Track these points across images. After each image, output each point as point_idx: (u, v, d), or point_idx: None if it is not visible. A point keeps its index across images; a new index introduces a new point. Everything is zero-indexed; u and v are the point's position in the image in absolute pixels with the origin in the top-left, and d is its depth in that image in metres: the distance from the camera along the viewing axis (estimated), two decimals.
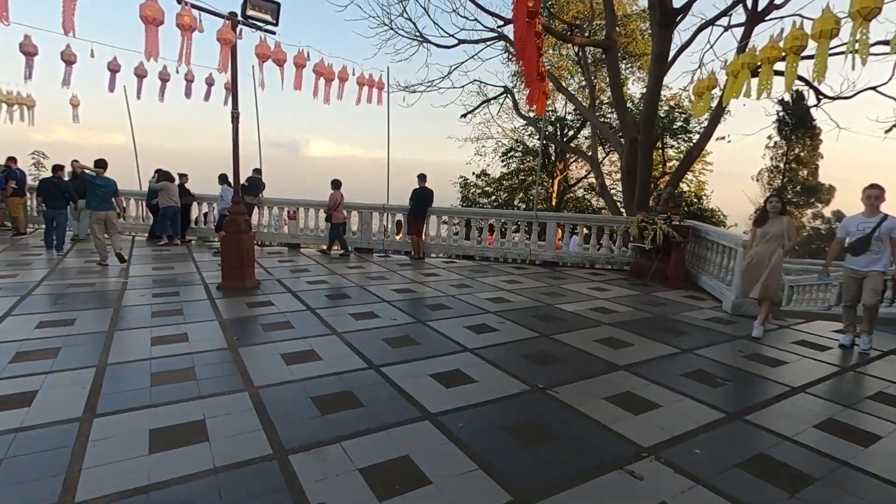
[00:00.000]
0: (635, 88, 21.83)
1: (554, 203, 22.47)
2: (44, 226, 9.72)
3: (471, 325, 5.73)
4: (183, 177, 11.12)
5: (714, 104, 6.92)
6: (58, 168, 9.91)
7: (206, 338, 4.93)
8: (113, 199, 8.56)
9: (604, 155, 23.43)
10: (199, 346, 4.69)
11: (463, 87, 15.47)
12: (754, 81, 5.38)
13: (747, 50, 5.33)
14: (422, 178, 10.32)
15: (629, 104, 20.77)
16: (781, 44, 4.46)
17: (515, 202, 22.32)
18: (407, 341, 5.07)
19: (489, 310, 6.44)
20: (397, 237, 11.49)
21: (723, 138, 14.45)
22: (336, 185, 10.34)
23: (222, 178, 10.26)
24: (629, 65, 20.71)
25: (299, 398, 3.67)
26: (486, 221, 10.57)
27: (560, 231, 10.50)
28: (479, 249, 10.49)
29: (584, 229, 10.12)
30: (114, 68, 7.39)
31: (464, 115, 16.98)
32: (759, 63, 5.15)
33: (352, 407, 3.57)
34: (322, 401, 3.63)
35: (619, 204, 15.29)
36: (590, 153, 17.11)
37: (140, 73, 7.93)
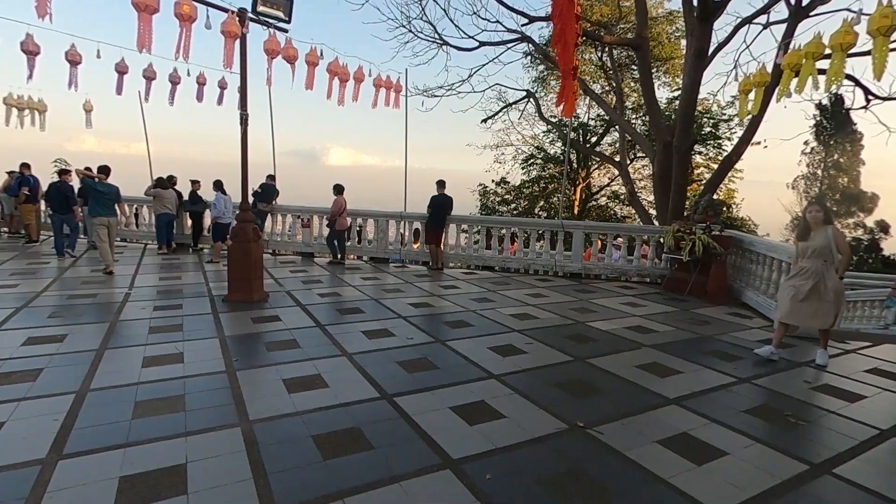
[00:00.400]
0: (661, 93, 21.12)
1: (576, 211, 21.79)
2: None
3: (495, 345, 5.16)
4: (195, 183, 10.81)
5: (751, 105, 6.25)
6: (64, 172, 9.80)
7: (203, 358, 4.46)
8: (116, 206, 8.40)
9: (628, 162, 22.69)
10: (194, 368, 4.22)
11: (483, 91, 15.08)
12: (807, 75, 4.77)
13: (792, 46, 4.73)
14: (441, 184, 9.82)
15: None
16: (861, 27, 3.85)
17: (536, 210, 21.72)
18: (424, 365, 4.53)
19: (514, 328, 5.86)
20: (415, 246, 11.01)
21: (758, 143, 13.66)
22: (339, 190, 9.94)
23: (217, 185, 9.86)
24: (654, 69, 20.01)
25: (299, 436, 3.15)
26: (508, 230, 10.01)
27: (599, 242, 9.88)
28: (500, 260, 9.93)
29: (618, 239, 9.46)
30: (121, 70, 7.08)
31: (484, 120, 16.53)
32: (825, 53, 4.54)
33: (360, 449, 3.04)
34: (326, 441, 3.11)
35: (649, 213, 14.52)
36: (617, 159, 16.37)
37: (149, 76, 7.64)
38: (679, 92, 18.92)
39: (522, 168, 22.73)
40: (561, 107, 7.00)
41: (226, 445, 3.01)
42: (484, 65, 13.10)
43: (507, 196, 22.54)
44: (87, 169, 9.23)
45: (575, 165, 22.13)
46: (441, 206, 9.67)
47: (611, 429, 3.43)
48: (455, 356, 4.81)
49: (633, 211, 22.72)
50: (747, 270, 7.84)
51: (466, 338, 5.40)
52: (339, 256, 10.06)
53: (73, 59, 6.46)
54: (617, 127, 20.93)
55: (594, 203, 23.12)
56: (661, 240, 8.80)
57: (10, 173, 11.34)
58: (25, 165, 10.39)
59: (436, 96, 12.50)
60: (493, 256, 9.95)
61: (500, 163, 24.64)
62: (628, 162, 22.32)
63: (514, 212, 22.42)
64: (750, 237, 8.07)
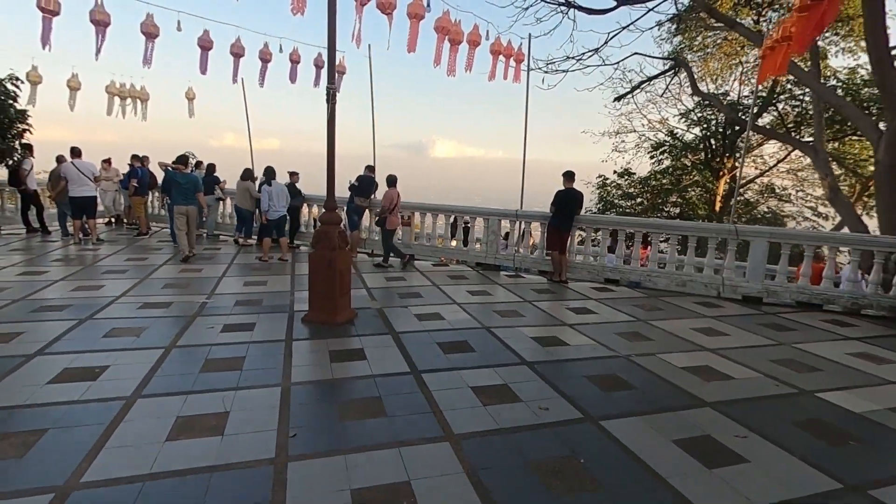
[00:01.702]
0: (837, 62, 16.75)
1: (717, 208, 18.32)
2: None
3: (684, 437, 3.22)
4: (293, 175, 10.03)
5: None
6: (198, 164, 10.62)
7: (251, 427, 3.13)
8: (196, 196, 8.47)
9: (782, 149, 18.49)
10: (233, 448, 2.89)
11: (618, 63, 12.31)
12: None
13: None
14: (569, 176, 7.87)
15: (832, 80, 15.90)
16: None
17: (667, 206, 18.63)
18: (575, 476, 2.76)
19: (702, 396, 3.84)
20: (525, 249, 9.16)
21: None
22: (391, 181, 8.44)
23: (268, 172, 8.66)
24: (833, 32, 15.76)
25: None
26: (657, 235, 7.78)
27: (834, 256, 7.17)
28: (643, 274, 7.74)
29: (838, 256, 6.75)
30: (205, 45, 6.16)
31: (618, 98, 14.00)
32: None
33: None
34: None
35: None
36: (809, 142, 12.57)
37: (236, 52, 6.71)
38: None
39: (651, 157, 19.65)
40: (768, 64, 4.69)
41: None
42: (620, 30, 10.48)
43: (630, 189, 19.63)
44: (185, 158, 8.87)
45: (717, 153, 18.59)
46: (569, 203, 7.75)
47: None
48: (622, 456, 2.97)
49: (796, 210, 18.65)
50: None
51: (630, 415, 3.51)
52: (387, 260, 8.63)
53: (150, 32, 5.61)
54: (778, 104, 17.06)
55: (741, 198, 19.32)
56: None
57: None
58: (136, 157, 10.33)
59: (559, 71, 10.42)
60: (633, 269, 7.79)
61: (620, 152, 21.74)
62: (778, 149, 18.24)
63: (639, 207, 19.50)
64: None
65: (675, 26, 15.98)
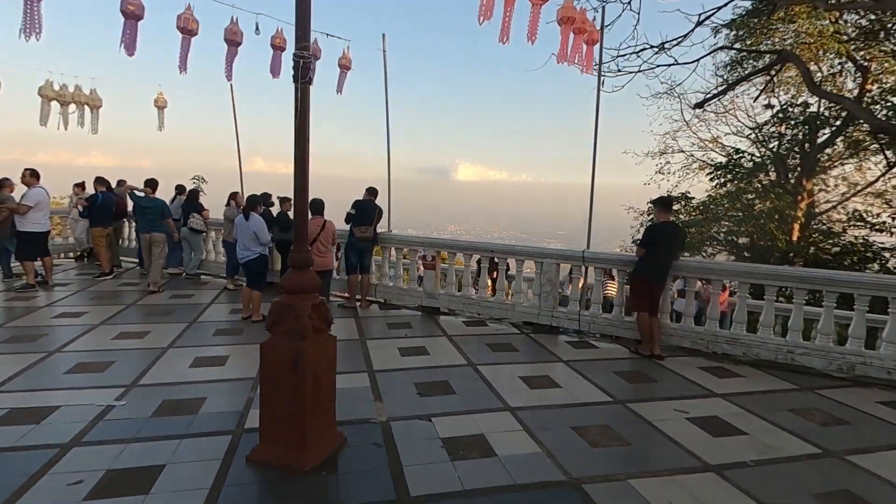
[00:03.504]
0: None
1: (796, 237, 15.51)
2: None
3: None
4: (285, 203, 7.90)
5: None
6: (181, 190, 9.30)
7: None
8: (164, 222, 7.64)
9: (868, 169, 15.75)
10: None
11: (700, 59, 9.38)
12: None
13: None
14: (664, 205, 5.50)
15: None
16: None
17: (738, 237, 15.96)
18: None
19: None
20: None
21: None
22: (317, 206, 6.34)
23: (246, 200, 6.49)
24: None
25: None
26: (799, 291, 5.29)
27: None
28: (778, 349, 5.21)
29: None
30: (132, 9, 4.08)
31: (699, 105, 11.49)
32: None
33: None
34: None
35: None
36: None
37: (187, 28, 4.60)
38: None
39: (711, 178, 17.08)
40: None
41: None
42: (716, 10, 7.93)
43: (689, 217, 17.02)
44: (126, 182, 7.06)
45: (796, 173, 15.93)
46: (666, 243, 5.34)
47: None
48: None
49: (894, 241, 15.65)
50: None
51: None
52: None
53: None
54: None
55: (820, 225, 16.47)
56: None
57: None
58: (100, 180, 8.37)
59: (629, 72, 7.96)
60: (764, 341, 5.27)
61: (664, 174, 19.32)
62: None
63: (695, 237, 16.85)
64: None
65: (734, 32, 13.68)
